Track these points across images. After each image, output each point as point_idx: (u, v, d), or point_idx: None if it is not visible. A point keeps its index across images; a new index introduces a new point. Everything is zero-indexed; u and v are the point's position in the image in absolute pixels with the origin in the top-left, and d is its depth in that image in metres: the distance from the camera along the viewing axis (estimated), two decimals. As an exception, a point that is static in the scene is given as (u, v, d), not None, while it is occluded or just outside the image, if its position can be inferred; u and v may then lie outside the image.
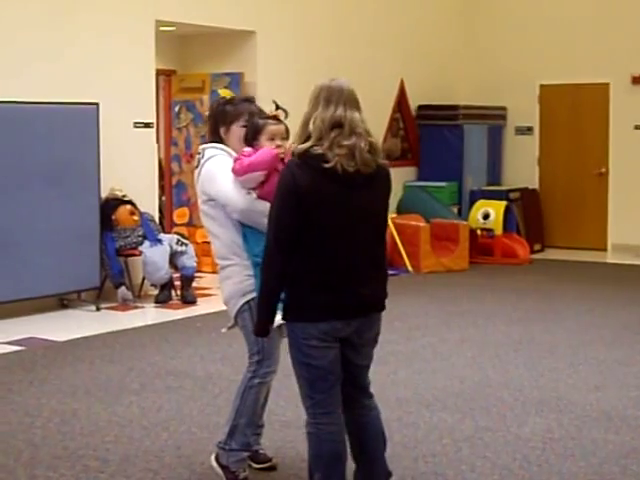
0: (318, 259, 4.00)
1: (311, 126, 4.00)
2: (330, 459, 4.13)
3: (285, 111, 4.73)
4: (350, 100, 4.01)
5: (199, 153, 4.78)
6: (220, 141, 4.77)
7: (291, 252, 3.97)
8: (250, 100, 4.95)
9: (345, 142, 3.94)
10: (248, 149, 4.58)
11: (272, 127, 4.60)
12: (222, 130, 4.76)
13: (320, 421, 4.11)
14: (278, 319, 4.17)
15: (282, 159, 4.45)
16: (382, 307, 4.25)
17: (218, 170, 4.60)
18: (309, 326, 4.03)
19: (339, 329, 4.06)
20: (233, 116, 4.77)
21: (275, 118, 4.65)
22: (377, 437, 4.34)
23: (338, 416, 4.15)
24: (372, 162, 4.02)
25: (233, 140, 4.74)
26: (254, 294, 4.46)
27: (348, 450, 4.25)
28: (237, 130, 4.74)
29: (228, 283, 4.69)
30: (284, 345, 4.35)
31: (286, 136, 4.60)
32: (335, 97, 3.99)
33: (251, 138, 4.59)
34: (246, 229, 4.56)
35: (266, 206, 4.28)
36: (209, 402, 6.33)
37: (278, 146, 4.53)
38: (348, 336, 4.11)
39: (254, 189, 4.52)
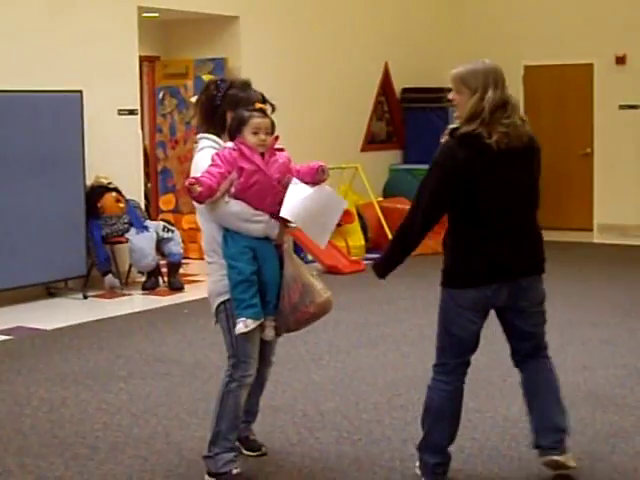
0: (475, 227, 4.33)
1: (485, 105, 4.22)
2: (437, 414, 4.54)
3: (272, 105, 4.65)
4: (504, 80, 4.34)
5: (196, 142, 4.64)
6: (218, 126, 4.55)
7: (433, 226, 4.37)
8: (250, 85, 4.75)
9: (505, 121, 4.24)
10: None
11: (257, 120, 4.43)
12: (229, 115, 4.53)
13: (438, 378, 4.56)
14: (269, 324, 4.51)
15: (262, 154, 4.41)
16: (537, 270, 4.52)
17: (201, 166, 4.42)
18: (460, 293, 4.43)
19: (489, 296, 4.43)
20: (245, 102, 4.55)
21: (261, 111, 4.49)
22: (547, 396, 4.68)
23: (456, 379, 4.57)
24: (525, 137, 4.33)
25: None
26: (228, 295, 4.44)
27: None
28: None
29: (208, 280, 4.61)
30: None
31: (270, 130, 4.47)
32: (500, 79, 4.30)
33: (234, 130, 4.45)
34: (224, 229, 4.43)
35: (241, 207, 4.35)
36: (198, 388, 6.33)
37: (262, 141, 4.41)
38: (504, 304, 4.50)
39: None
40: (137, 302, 9.53)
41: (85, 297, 9.49)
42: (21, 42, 9.32)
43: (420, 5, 14.72)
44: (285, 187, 4.44)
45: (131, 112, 10.52)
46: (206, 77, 11.66)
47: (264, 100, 4.60)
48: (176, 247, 10.01)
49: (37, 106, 9.19)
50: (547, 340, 4.72)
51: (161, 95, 12.24)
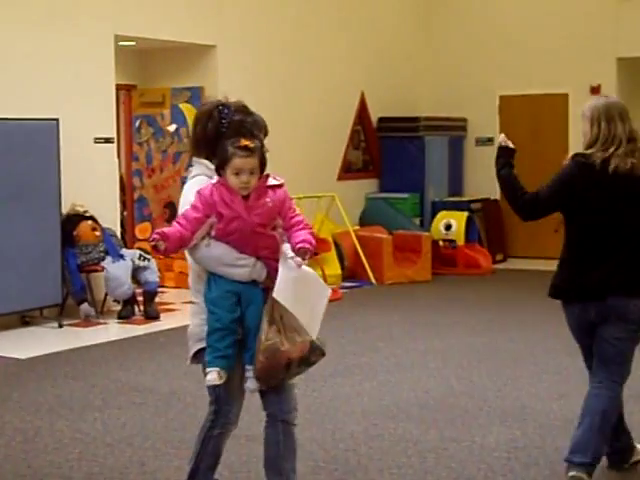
0: (579, 245, 4.86)
1: (606, 133, 4.82)
2: (588, 411, 4.88)
3: (262, 134, 4.20)
4: (627, 113, 4.89)
5: (190, 166, 4.29)
6: (215, 155, 4.08)
7: (534, 210, 5.05)
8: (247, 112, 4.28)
9: (627, 150, 4.75)
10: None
11: (239, 160, 3.96)
12: None
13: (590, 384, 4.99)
14: (250, 377, 4.08)
15: (247, 195, 4.00)
16: (627, 291, 4.79)
17: (187, 200, 4.06)
18: (567, 307, 5.01)
19: (587, 312, 4.85)
20: (254, 128, 4.17)
21: (246, 149, 3.98)
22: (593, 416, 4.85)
23: (598, 384, 4.93)
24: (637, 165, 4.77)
25: None
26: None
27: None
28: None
29: (190, 321, 4.23)
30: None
31: (258, 169, 4.02)
32: (623, 112, 4.85)
33: (217, 167, 4.04)
34: (209, 271, 4.07)
35: (223, 251, 4.00)
36: (173, 417, 6.30)
37: (244, 183, 3.96)
38: (595, 319, 4.85)
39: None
40: (113, 331, 9.49)
41: (60, 326, 9.44)
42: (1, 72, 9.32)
43: (397, 36, 14.80)
44: (274, 229, 4.05)
45: (107, 140, 10.52)
46: (183, 106, 11.70)
47: (251, 133, 4.10)
48: (152, 276, 9.98)
49: (13, 134, 9.17)
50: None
51: (137, 123, 12.24)
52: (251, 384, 4.10)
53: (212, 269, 4.03)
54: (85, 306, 9.72)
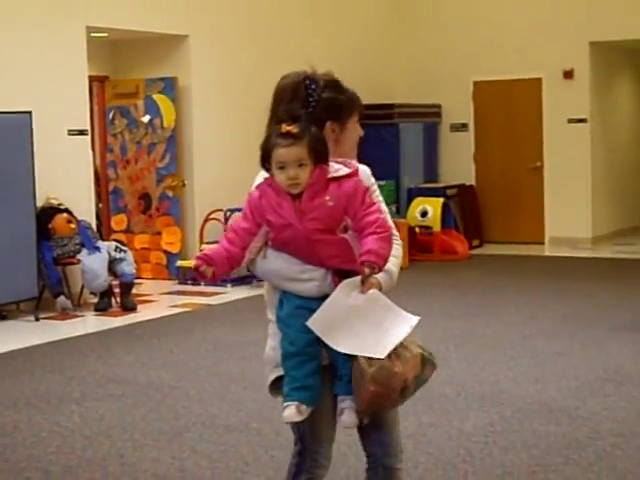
0: None
1: None
2: None
3: (357, 115, 3.47)
4: None
5: None
6: None
7: None
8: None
9: None
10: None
11: (279, 152, 3.22)
12: (331, 127, 3.37)
13: None
14: (347, 406, 3.26)
15: (298, 194, 3.22)
16: None
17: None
18: None
19: None
20: (349, 107, 3.45)
21: (289, 136, 3.23)
22: None
23: None
24: None
25: (346, 146, 3.45)
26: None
27: None
28: (354, 129, 3.47)
29: (267, 342, 3.42)
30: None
31: (308, 161, 3.21)
32: None
33: (262, 161, 3.30)
34: None
35: (284, 264, 3.25)
36: (152, 409, 6.29)
37: (292, 179, 3.19)
38: None
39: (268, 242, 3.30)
40: (90, 323, 9.46)
41: (37, 319, 9.40)
42: (-32, 63, 9.27)
43: (369, 22, 14.79)
44: (345, 231, 3.27)
45: (81, 132, 10.48)
46: (157, 97, 11.66)
47: (293, 118, 3.29)
48: (128, 267, 9.96)
49: (-14, 128, 9.12)
50: None
51: (111, 115, 12.19)
52: (348, 418, 3.26)
53: (276, 284, 3.30)
54: (62, 299, 9.69)
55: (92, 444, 5.60)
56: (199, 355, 7.76)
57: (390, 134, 14.20)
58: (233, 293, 10.72)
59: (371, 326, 3.22)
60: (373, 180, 3.40)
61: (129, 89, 12.01)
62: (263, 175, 3.31)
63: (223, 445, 5.48)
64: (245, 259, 3.29)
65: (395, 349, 3.21)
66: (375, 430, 3.42)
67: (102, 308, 9.85)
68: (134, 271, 10.09)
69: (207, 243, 11.28)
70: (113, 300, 9.99)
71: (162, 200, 11.85)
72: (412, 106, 14.67)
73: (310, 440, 3.39)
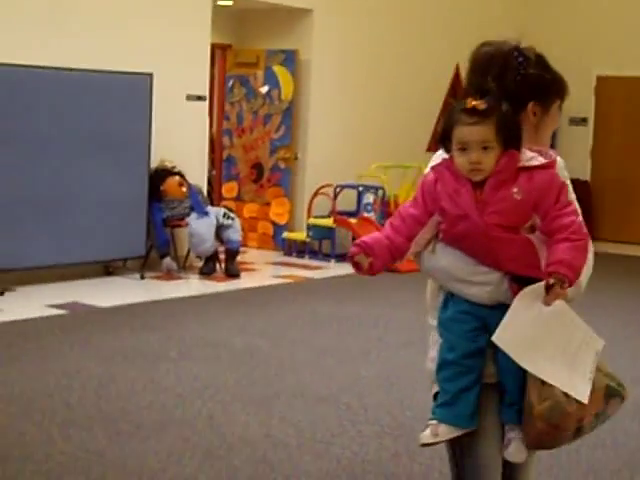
0: None
1: None
2: None
3: (559, 99, 3.05)
4: None
5: None
6: None
7: None
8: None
9: None
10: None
11: (461, 130, 2.77)
12: (533, 108, 2.93)
13: None
14: (515, 437, 2.82)
15: (481, 182, 2.77)
16: None
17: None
18: None
19: None
20: (556, 89, 3.05)
21: (475, 112, 2.76)
22: None
23: None
24: None
25: (545, 133, 3.03)
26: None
27: None
28: (555, 115, 3.05)
29: (427, 354, 3.04)
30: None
31: (495, 144, 2.75)
32: None
33: (441, 138, 2.88)
34: None
35: (453, 261, 2.82)
36: (245, 374, 6.37)
37: (473, 164, 2.75)
38: None
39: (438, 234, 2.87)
40: (193, 286, 9.61)
41: (142, 278, 9.58)
42: (96, 23, 9.43)
43: (491, 11, 14.63)
44: (532, 231, 2.80)
45: (199, 98, 10.60)
46: (277, 68, 11.73)
47: (481, 92, 2.83)
48: (235, 235, 10.06)
49: (108, 86, 9.29)
50: None
51: (231, 83, 12.31)
52: (515, 451, 2.82)
53: (443, 284, 2.89)
54: (168, 260, 9.85)
55: (184, 403, 5.70)
56: (296, 326, 7.82)
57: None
58: (336, 268, 10.76)
59: (559, 347, 2.76)
60: (567, 174, 2.89)
61: (250, 59, 12.11)
62: (441, 155, 2.88)
63: (311, 415, 5.52)
64: (410, 251, 2.87)
65: None
66: (514, 470, 3.00)
67: (206, 272, 9.99)
68: (240, 239, 10.20)
69: (314, 217, 11.34)
70: (217, 265, 10.11)
71: (274, 171, 11.93)
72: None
73: (471, 475, 2.93)
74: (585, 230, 2.77)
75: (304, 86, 11.79)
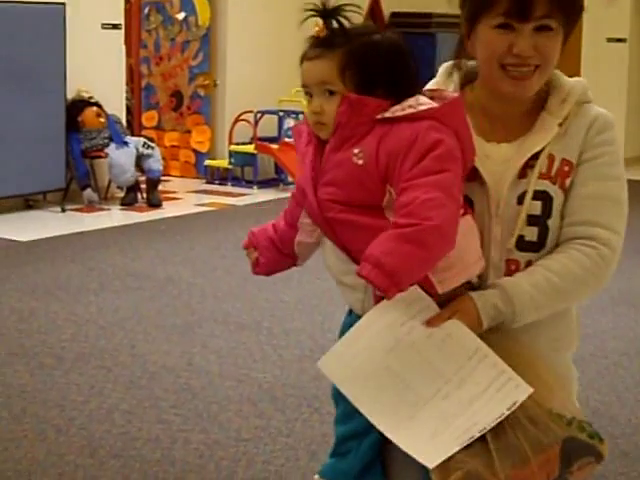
0: None
1: None
2: None
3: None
4: None
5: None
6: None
7: None
8: None
9: None
10: None
11: (303, 67, 2.12)
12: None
13: None
14: None
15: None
16: None
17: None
18: None
19: None
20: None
21: (315, 43, 2.11)
22: None
23: None
24: None
25: (480, 62, 2.23)
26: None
27: None
28: (490, 37, 2.18)
29: None
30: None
31: (337, 85, 2.08)
32: None
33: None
34: None
35: (331, 254, 2.21)
36: (167, 303, 6.40)
37: (313, 114, 2.11)
38: None
39: None
40: (115, 217, 9.56)
41: (63, 210, 9.51)
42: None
43: None
44: (382, 211, 2.08)
45: (115, 26, 10.45)
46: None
47: None
48: (156, 164, 10.01)
49: (19, 17, 9.11)
50: None
51: (147, 10, 12.14)
52: None
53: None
54: (88, 192, 9.78)
55: (105, 334, 5.72)
56: (219, 254, 7.84)
57: (427, 44, 14.05)
58: (259, 195, 10.77)
59: (433, 388, 2.01)
60: (610, 137, 2.23)
61: (165, -15, 11.94)
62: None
63: (233, 342, 5.58)
64: (297, 242, 2.28)
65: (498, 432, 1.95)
66: None
67: (128, 203, 9.94)
68: (161, 168, 10.14)
69: (235, 144, 11.31)
70: (139, 195, 10.07)
71: (193, 99, 11.84)
72: (451, 16, 14.49)
73: None
74: (447, 215, 1.97)
75: (221, 11, 11.66)
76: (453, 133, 2.06)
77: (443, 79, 2.32)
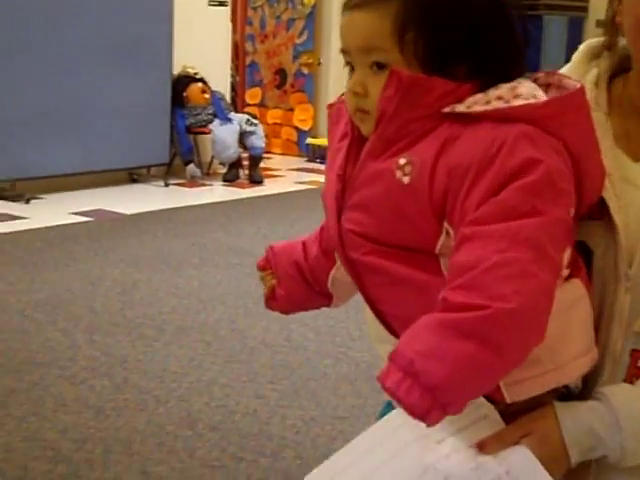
0: None
1: None
2: None
3: None
4: None
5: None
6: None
7: None
8: None
9: None
10: None
11: (341, 22, 1.39)
12: None
13: None
14: None
15: None
16: None
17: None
18: None
19: None
20: None
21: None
22: None
23: None
24: None
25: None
26: None
27: None
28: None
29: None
30: None
31: (395, 52, 1.34)
32: None
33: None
34: None
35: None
36: (267, 280, 6.42)
37: (350, 100, 1.43)
38: None
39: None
40: (217, 193, 9.66)
41: (166, 185, 9.63)
42: None
43: None
44: (432, 257, 1.35)
45: (221, 3, 10.52)
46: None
47: None
48: (258, 141, 10.07)
49: (128, -8, 9.26)
50: None
51: (253, -12, 12.21)
52: None
53: None
54: (191, 167, 9.89)
55: (206, 308, 5.78)
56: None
57: (534, 28, 13.87)
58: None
59: None
60: None
61: (273, -37, 11.98)
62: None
63: (332, 320, 5.58)
64: (330, 279, 1.68)
65: None
66: None
67: (230, 179, 10.02)
68: (263, 145, 10.21)
69: (338, 123, 11.30)
70: (241, 172, 10.14)
71: (297, 77, 11.88)
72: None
73: None
74: (521, 287, 1.20)
75: (327, -10, 11.68)
76: (561, 148, 1.31)
77: (581, 64, 1.56)
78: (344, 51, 1.39)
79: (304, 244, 1.71)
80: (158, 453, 3.87)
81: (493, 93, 1.32)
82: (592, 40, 1.58)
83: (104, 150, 9.21)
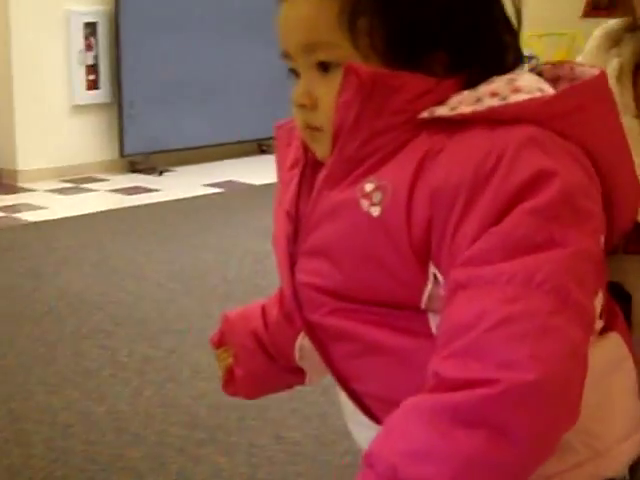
0: None
1: None
2: None
3: None
4: None
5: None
6: None
7: None
8: None
9: None
10: None
11: (279, 18, 1.22)
12: None
13: None
14: None
15: None
16: None
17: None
18: None
19: None
20: None
21: None
22: None
23: None
24: None
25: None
26: None
27: None
28: None
29: None
30: None
31: (343, 49, 1.13)
32: None
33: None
34: None
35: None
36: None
37: (297, 113, 1.30)
38: None
39: None
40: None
41: (295, 155, 9.68)
42: None
43: None
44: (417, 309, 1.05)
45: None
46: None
47: None
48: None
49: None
50: None
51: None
52: None
53: None
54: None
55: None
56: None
57: None
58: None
59: None
60: None
61: None
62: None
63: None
64: (297, 347, 1.36)
65: None
66: None
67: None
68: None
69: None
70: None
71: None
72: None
73: None
74: (541, 349, 0.90)
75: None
76: (581, 154, 1.01)
77: (598, 54, 1.26)
78: (284, 54, 1.12)
79: (263, 308, 1.44)
80: (292, 419, 3.92)
81: (485, 89, 1.05)
82: (609, 23, 1.24)
83: (233, 122, 9.32)
